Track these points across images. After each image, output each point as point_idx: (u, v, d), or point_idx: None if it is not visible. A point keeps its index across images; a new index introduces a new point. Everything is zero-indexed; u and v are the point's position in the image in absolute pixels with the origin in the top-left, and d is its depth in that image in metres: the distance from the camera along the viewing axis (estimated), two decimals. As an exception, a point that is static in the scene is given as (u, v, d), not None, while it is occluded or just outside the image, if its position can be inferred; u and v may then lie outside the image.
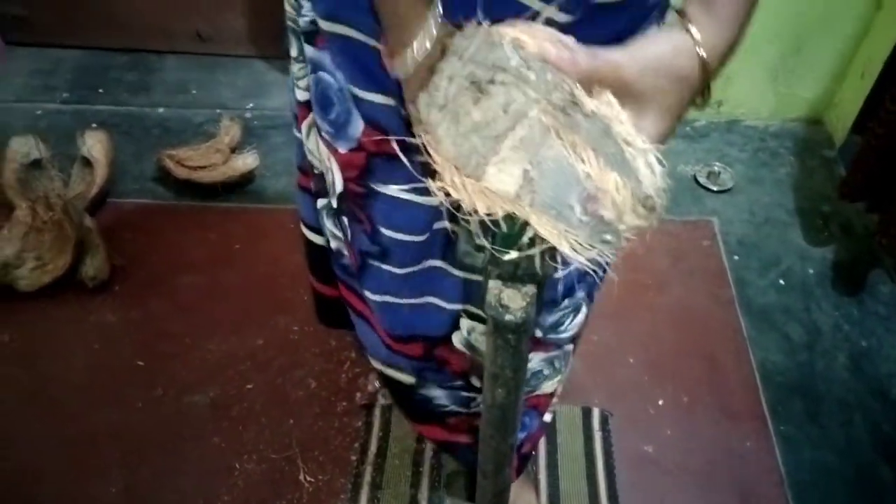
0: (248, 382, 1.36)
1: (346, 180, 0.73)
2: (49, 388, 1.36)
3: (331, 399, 1.35)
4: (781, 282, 1.59)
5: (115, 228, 1.61)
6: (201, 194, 1.70)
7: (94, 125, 1.81)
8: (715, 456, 1.29)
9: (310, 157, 0.83)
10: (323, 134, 0.72)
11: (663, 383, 1.39)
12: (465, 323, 0.83)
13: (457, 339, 0.85)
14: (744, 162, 1.84)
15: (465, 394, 0.96)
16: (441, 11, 0.48)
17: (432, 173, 0.49)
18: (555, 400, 1.04)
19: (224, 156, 1.73)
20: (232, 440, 1.29)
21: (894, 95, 1.40)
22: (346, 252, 0.86)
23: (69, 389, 1.35)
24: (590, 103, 0.44)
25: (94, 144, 1.68)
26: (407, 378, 0.95)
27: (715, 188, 1.77)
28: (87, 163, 1.67)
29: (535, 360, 0.89)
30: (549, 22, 0.48)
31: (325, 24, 0.62)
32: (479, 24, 0.46)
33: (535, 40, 0.45)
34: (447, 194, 0.48)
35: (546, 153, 0.44)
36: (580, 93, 0.44)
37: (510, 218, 0.48)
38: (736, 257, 1.62)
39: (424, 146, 0.49)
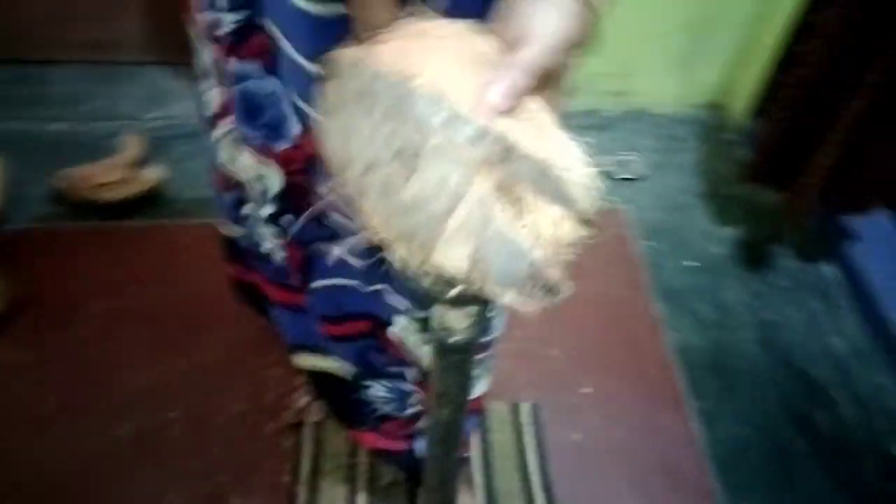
0: (172, 410, 1.32)
1: (289, 174, 0.72)
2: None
3: (257, 421, 1.32)
4: (694, 263, 1.66)
5: (14, 259, 1.51)
6: (107, 214, 1.61)
7: (-21, 147, 1.69)
8: (640, 437, 1.35)
9: (224, 170, 0.81)
10: (252, 142, 0.71)
11: (587, 372, 1.43)
12: (398, 319, 0.83)
13: (392, 330, 0.86)
14: (652, 150, 1.91)
15: (404, 386, 0.95)
16: None
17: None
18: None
19: (128, 171, 1.65)
20: (159, 474, 1.24)
21: (792, 79, 1.47)
22: (279, 254, 0.85)
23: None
24: (522, 137, 0.43)
25: (-18, 169, 1.57)
26: (344, 369, 0.93)
27: (626, 177, 1.82)
28: (-25, 190, 1.57)
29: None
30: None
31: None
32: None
33: (463, 96, 0.42)
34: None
35: (489, 232, 0.42)
36: (511, 131, 0.43)
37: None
38: (649, 243, 1.69)
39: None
